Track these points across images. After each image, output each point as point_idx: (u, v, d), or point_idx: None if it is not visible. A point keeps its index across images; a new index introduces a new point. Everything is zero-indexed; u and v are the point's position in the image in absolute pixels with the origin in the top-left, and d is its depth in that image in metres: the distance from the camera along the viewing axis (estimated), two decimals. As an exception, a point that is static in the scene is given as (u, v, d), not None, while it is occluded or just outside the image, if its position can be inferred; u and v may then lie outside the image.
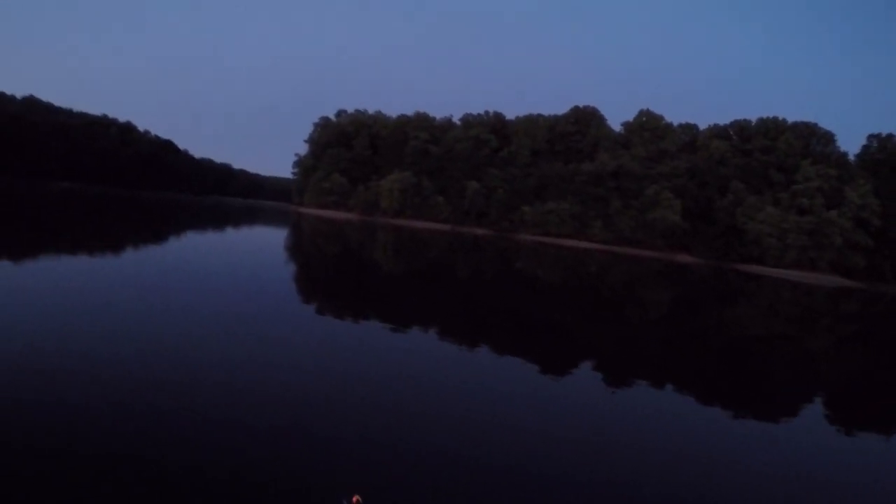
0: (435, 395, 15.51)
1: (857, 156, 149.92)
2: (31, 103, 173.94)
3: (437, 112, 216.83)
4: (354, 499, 8.39)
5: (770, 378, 23.18)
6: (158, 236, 54.36)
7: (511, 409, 14.85)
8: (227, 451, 10.39)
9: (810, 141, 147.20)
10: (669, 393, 18.37)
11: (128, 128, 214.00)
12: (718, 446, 13.88)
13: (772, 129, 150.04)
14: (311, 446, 11.21)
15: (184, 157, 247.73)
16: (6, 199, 78.24)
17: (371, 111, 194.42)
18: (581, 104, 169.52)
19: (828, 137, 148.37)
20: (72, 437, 10.02)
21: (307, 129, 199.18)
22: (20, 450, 9.41)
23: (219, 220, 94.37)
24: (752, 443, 14.34)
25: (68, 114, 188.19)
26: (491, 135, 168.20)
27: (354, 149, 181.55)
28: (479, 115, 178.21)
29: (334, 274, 43.35)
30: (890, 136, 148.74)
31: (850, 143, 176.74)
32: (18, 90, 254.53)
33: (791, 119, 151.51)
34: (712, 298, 59.53)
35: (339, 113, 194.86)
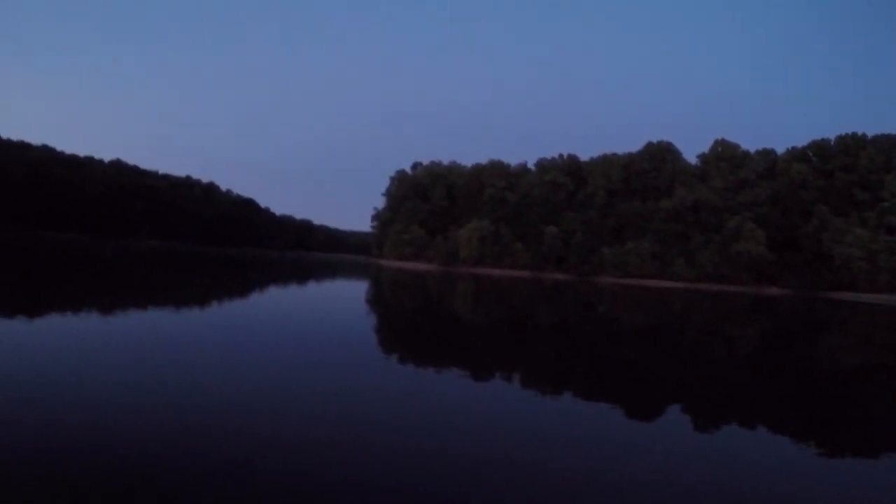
0: (518, 446, 13.15)
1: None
2: (118, 166, 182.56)
3: (512, 159, 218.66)
4: None
5: (868, 411, 22.29)
6: (245, 291, 55.95)
7: (599, 457, 12.82)
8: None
9: (892, 154, 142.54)
10: (761, 433, 16.75)
11: (210, 187, 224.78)
12: (822, 484, 11.73)
13: (852, 145, 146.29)
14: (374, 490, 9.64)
15: (265, 214, 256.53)
16: (98, 257, 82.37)
17: (446, 162, 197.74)
18: (655, 139, 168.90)
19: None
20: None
21: (384, 183, 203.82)
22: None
23: (301, 274, 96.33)
24: (857, 480, 12.10)
25: (154, 176, 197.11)
26: (566, 177, 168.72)
27: (431, 200, 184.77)
28: (553, 158, 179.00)
29: (416, 325, 43.05)
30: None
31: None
32: (106, 154, 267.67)
33: (871, 133, 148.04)
34: (803, 330, 56.17)
35: (415, 165, 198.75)
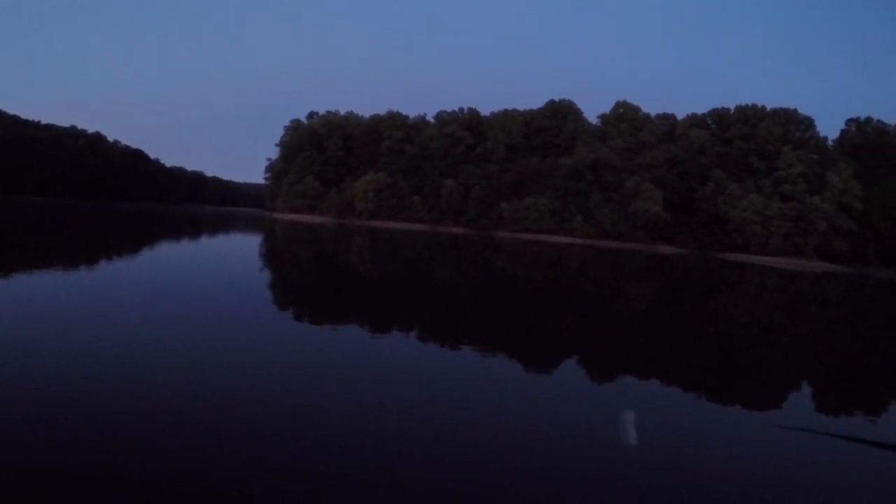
0: (419, 402, 13.97)
1: (837, 140, 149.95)
2: None
3: (411, 111, 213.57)
4: None
5: (757, 367, 21.52)
6: (135, 247, 52.39)
7: (497, 410, 13.59)
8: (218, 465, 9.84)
9: (790, 127, 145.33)
10: (656, 387, 16.94)
11: (97, 138, 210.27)
12: (709, 440, 12.64)
13: (751, 116, 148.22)
14: (302, 459, 10.29)
15: (155, 166, 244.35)
16: None
17: (343, 112, 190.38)
18: (556, 98, 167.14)
19: (807, 123, 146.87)
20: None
21: (279, 134, 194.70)
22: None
23: (192, 228, 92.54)
24: (740, 436, 13.04)
25: (35, 126, 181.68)
26: (466, 131, 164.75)
27: (327, 151, 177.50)
28: (453, 112, 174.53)
29: (311, 280, 41.72)
30: (868, 119, 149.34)
31: (829, 129, 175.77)
32: None
33: (770, 106, 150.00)
34: (697, 288, 58.45)
35: (311, 115, 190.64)
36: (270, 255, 59.05)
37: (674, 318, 35.50)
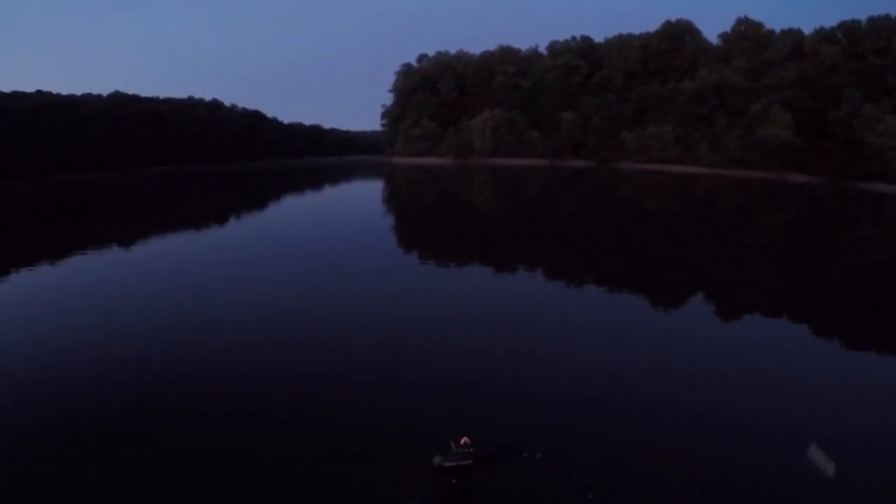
0: (544, 336, 15.98)
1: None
2: (118, 98, 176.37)
3: (522, 44, 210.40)
4: (462, 441, 9.10)
5: (889, 307, 22.15)
6: (262, 204, 54.58)
7: (627, 347, 15.32)
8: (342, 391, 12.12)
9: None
10: (785, 325, 18.04)
11: (214, 104, 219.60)
12: (838, 377, 13.76)
13: (884, 28, 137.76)
14: (427, 391, 12.14)
15: (273, 124, 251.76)
16: (106, 191, 79.90)
17: (453, 52, 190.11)
18: (673, 18, 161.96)
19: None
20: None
21: (392, 80, 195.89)
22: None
23: (315, 180, 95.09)
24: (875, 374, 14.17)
25: (155, 101, 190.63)
26: (581, 60, 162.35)
27: (440, 92, 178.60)
28: (566, 41, 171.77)
29: (437, 223, 42.81)
30: None
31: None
32: (104, 88, 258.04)
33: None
34: (831, 222, 56.78)
35: (421, 57, 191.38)
36: (395, 201, 60.20)
37: (805, 254, 34.27)
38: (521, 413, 11.14)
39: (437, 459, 9.73)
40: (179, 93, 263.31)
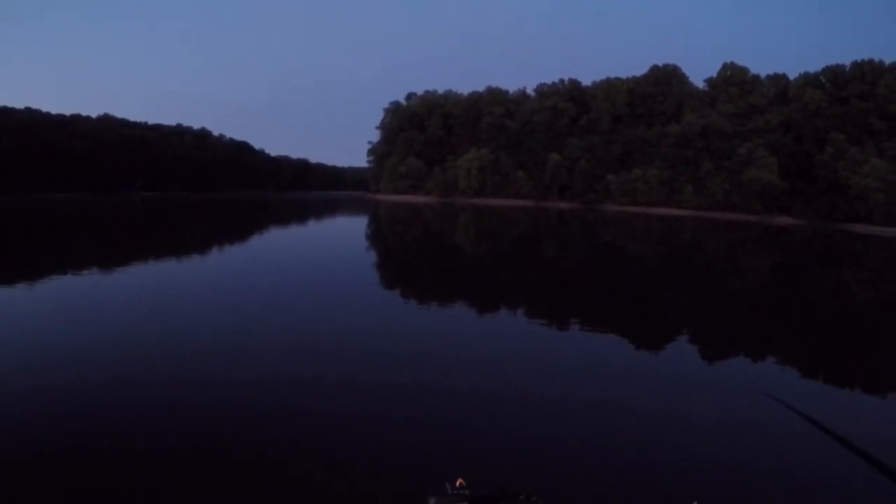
0: (535, 377, 15.76)
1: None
2: (107, 121, 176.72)
3: (510, 85, 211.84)
4: (458, 482, 7.62)
5: (881, 349, 21.91)
6: (245, 235, 54.27)
7: (616, 387, 15.27)
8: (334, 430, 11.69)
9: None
10: (773, 367, 18.12)
11: (202, 133, 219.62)
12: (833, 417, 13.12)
13: (868, 72, 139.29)
14: (422, 431, 11.92)
15: (260, 155, 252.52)
16: (86, 213, 79.14)
17: (441, 91, 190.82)
18: (660, 62, 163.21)
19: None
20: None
21: (380, 117, 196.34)
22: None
23: (300, 214, 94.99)
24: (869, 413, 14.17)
25: (143, 127, 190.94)
26: (568, 103, 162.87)
27: (427, 130, 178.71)
28: (553, 83, 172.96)
29: (418, 261, 42.66)
30: None
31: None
32: (93, 110, 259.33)
33: (888, 60, 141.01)
34: (817, 263, 57.21)
35: (409, 96, 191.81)
36: (378, 237, 60.25)
37: (794, 296, 34.02)
38: (516, 454, 11.04)
39: (431, 501, 8.30)
40: (168, 119, 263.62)
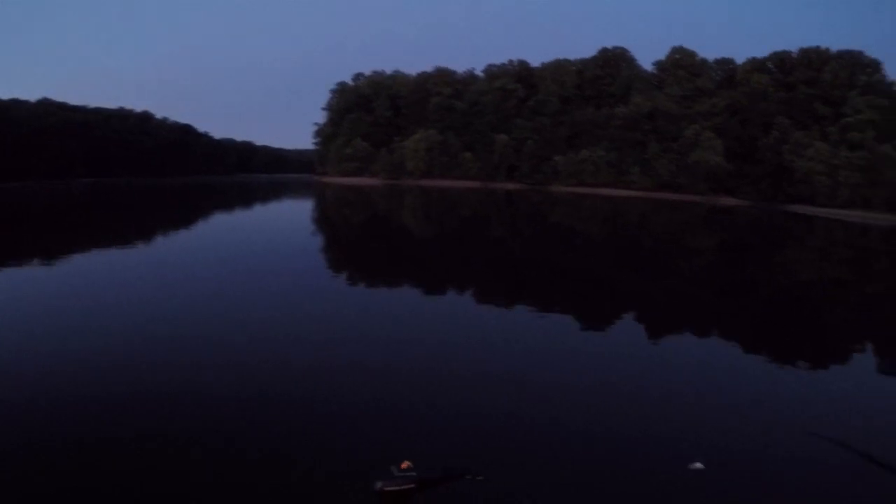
0: (481, 357, 15.77)
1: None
2: (45, 105, 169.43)
3: (459, 66, 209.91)
4: (404, 464, 9.41)
5: (821, 327, 23.02)
6: (192, 222, 52.68)
7: (563, 367, 15.35)
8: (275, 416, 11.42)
9: (856, 71, 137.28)
10: (717, 344, 18.74)
11: (145, 117, 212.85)
12: (769, 395, 13.96)
13: (814, 59, 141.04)
14: (367, 415, 11.77)
15: (204, 139, 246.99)
16: (19, 202, 75.76)
17: (389, 71, 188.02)
18: (609, 45, 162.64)
19: (874, 66, 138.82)
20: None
21: (326, 98, 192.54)
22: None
23: (245, 198, 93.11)
24: (806, 389, 14.70)
25: (84, 111, 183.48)
26: (517, 84, 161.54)
27: (375, 112, 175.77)
28: (502, 64, 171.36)
29: (367, 244, 42.54)
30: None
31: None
32: (32, 94, 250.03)
33: (834, 48, 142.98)
34: (761, 243, 58.66)
35: (357, 76, 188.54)
36: (324, 221, 58.98)
37: (737, 274, 36.34)
38: (462, 435, 11.21)
39: (378, 484, 9.59)
40: (110, 103, 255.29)
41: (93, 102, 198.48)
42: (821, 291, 31.37)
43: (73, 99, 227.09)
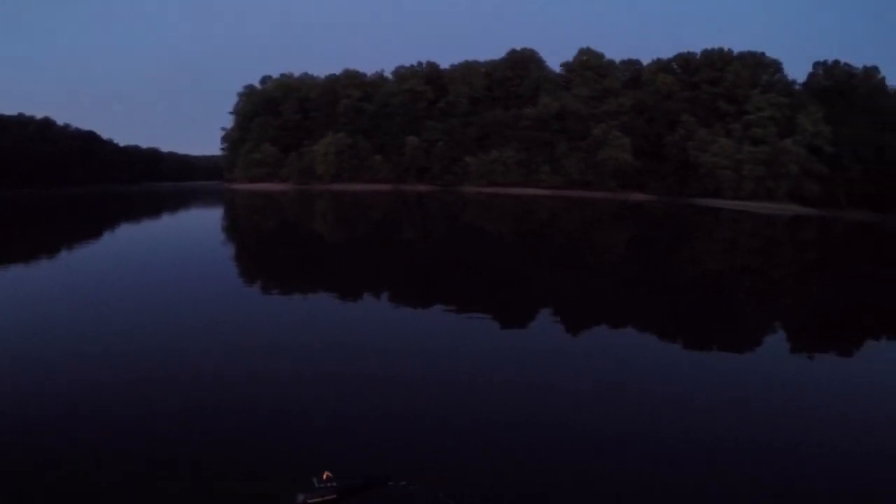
0: (400, 361, 15.41)
1: (804, 84, 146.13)
2: None
3: (368, 68, 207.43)
4: (325, 475, 9.33)
5: (731, 312, 23.64)
6: (97, 233, 50.62)
7: (481, 366, 15.15)
8: (202, 430, 11.17)
9: (757, 70, 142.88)
10: (634, 334, 18.81)
11: (46, 123, 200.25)
12: (686, 382, 14.27)
13: (717, 60, 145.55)
14: (283, 425, 11.65)
15: (109, 146, 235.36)
16: None
17: (297, 74, 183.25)
18: (518, 47, 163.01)
19: (775, 66, 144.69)
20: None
21: (233, 101, 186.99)
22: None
23: (151, 208, 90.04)
24: (720, 374, 14.92)
25: None
26: (426, 86, 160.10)
27: (283, 115, 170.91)
28: (412, 66, 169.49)
29: (277, 250, 42.59)
30: (836, 62, 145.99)
31: (796, 72, 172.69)
32: None
33: (736, 49, 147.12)
34: (670, 235, 60.21)
35: (265, 79, 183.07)
36: (232, 230, 56.95)
37: (648, 266, 36.56)
38: (382, 442, 10.94)
39: (299, 497, 9.38)
40: (7, 109, 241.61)
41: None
42: (730, 279, 32.61)
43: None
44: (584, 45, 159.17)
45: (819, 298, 27.42)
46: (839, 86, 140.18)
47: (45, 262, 32.51)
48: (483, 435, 11.31)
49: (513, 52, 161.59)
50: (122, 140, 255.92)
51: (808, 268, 39.62)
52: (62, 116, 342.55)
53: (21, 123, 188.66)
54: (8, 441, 11.02)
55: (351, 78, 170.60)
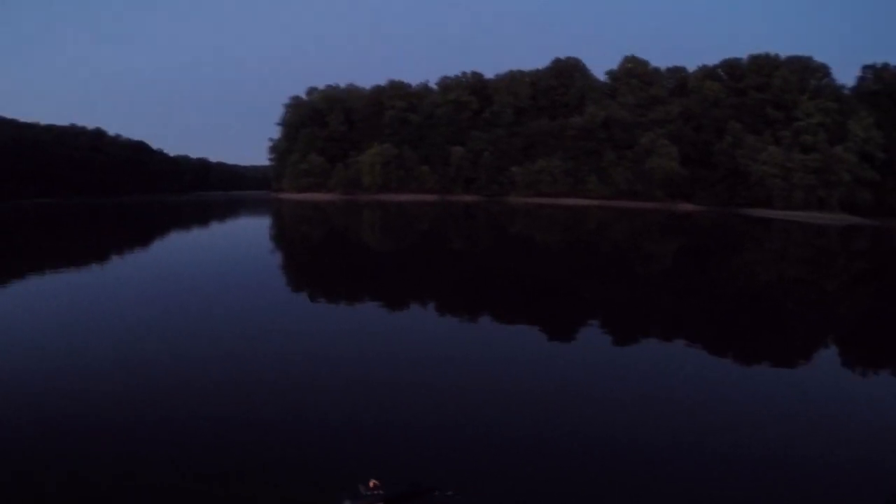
0: (450, 373, 15.38)
1: (853, 89, 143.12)
2: None
3: (413, 79, 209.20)
4: (371, 483, 8.40)
5: (784, 325, 22.75)
6: (147, 240, 51.82)
7: (531, 377, 15.09)
8: (245, 438, 11.16)
9: (805, 76, 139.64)
10: (683, 347, 18.40)
11: (98, 134, 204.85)
12: (735, 394, 14.12)
13: (764, 65, 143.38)
14: (332, 433, 11.56)
15: (159, 156, 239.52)
16: None
17: (343, 85, 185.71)
18: (562, 56, 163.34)
19: (823, 71, 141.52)
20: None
21: (280, 112, 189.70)
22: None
23: (201, 217, 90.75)
24: (771, 388, 14.57)
25: (35, 128, 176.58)
26: (471, 96, 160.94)
27: (329, 126, 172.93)
28: (456, 77, 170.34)
29: (326, 259, 42.38)
30: (885, 65, 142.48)
31: (844, 77, 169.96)
32: None
33: (783, 54, 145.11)
34: (720, 246, 58.70)
35: (311, 90, 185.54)
36: (281, 239, 57.86)
37: (699, 278, 35.90)
38: (430, 451, 10.91)
39: None
40: (61, 120, 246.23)
41: (44, 120, 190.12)
42: (783, 291, 31.64)
43: (24, 116, 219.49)
44: (629, 53, 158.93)
45: (875, 312, 26.68)
46: (889, 89, 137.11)
47: (97, 269, 33.33)
48: (528, 447, 11.23)
49: (557, 61, 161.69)
50: (172, 150, 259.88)
51: (863, 279, 38.90)
52: (114, 127, 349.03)
53: (74, 134, 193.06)
54: (98, 443, 11.19)
55: (396, 89, 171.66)
